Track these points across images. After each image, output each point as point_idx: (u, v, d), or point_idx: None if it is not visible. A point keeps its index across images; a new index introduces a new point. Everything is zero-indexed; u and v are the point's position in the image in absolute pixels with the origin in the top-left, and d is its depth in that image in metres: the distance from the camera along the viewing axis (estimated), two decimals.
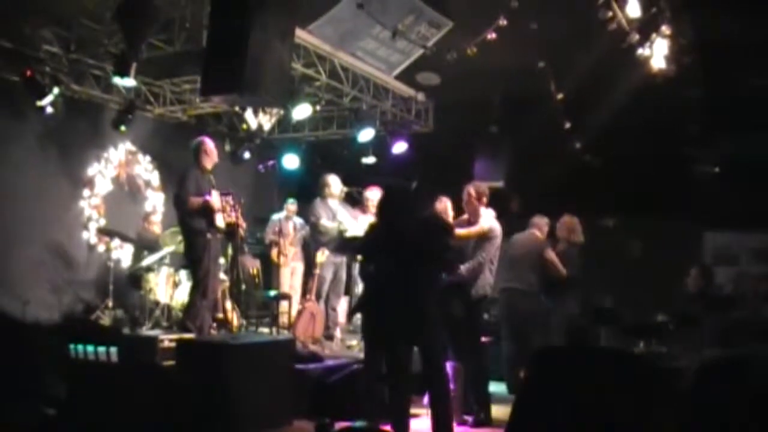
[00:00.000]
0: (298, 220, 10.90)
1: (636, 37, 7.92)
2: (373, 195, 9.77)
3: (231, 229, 8.55)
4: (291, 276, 10.77)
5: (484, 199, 7.46)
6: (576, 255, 9.10)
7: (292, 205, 10.96)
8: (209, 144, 8.68)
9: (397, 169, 11.30)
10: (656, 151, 10.68)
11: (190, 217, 8.33)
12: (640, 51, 8.03)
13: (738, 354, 5.60)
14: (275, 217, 10.92)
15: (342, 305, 10.33)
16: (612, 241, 11.30)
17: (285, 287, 10.45)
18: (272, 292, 10.00)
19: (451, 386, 6.80)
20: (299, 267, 10.91)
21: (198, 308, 8.29)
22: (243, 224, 8.87)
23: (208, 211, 8.27)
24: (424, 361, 6.23)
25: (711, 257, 11.47)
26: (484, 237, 7.35)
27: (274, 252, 10.65)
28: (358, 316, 10.10)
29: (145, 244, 10.36)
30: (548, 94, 9.57)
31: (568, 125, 10.34)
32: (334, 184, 9.88)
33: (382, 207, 6.62)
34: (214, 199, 8.33)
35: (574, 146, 10.93)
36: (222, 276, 9.28)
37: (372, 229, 6.68)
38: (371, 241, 6.62)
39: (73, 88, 10.24)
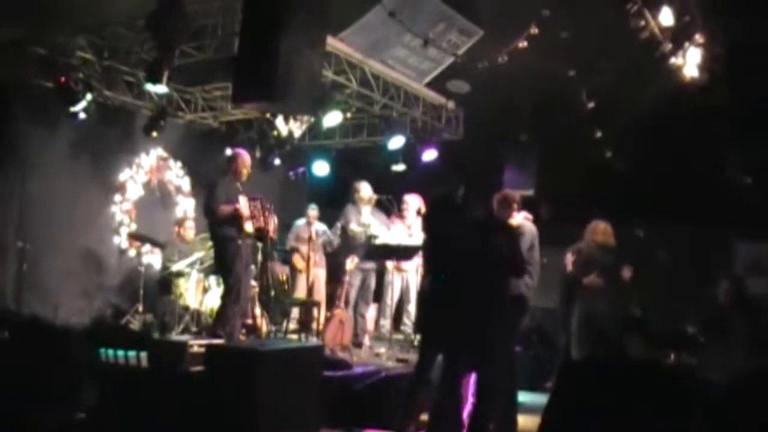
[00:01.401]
0: (321, 227, 10.66)
1: (669, 45, 7.85)
2: (412, 200, 9.78)
3: (260, 234, 8.56)
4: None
5: (515, 206, 7.20)
6: (599, 258, 8.42)
7: (313, 211, 10.72)
8: (245, 159, 8.59)
9: (427, 177, 11.26)
10: (688, 159, 10.57)
11: (220, 226, 8.33)
12: (672, 60, 7.96)
13: None
14: (297, 222, 10.87)
15: (371, 312, 10.32)
16: (641, 249, 11.17)
17: (302, 293, 10.25)
18: (300, 299, 10.00)
19: None
20: (321, 274, 10.74)
21: (229, 315, 8.29)
22: (271, 229, 8.85)
23: (237, 219, 8.29)
24: (476, 372, 6.15)
25: (743, 267, 11.31)
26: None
27: (295, 258, 10.60)
28: (382, 323, 10.17)
29: (175, 249, 10.41)
30: (579, 103, 9.50)
31: (599, 134, 10.26)
32: (364, 190, 9.91)
33: (429, 219, 6.53)
34: (243, 205, 8.34)
35: (605, 155, 10.84)
36: (252, 282, 9.28)
37: (424, 244, 6.62)
38: (426, 256, 6.55)
39: (105, 95, 10.32)
